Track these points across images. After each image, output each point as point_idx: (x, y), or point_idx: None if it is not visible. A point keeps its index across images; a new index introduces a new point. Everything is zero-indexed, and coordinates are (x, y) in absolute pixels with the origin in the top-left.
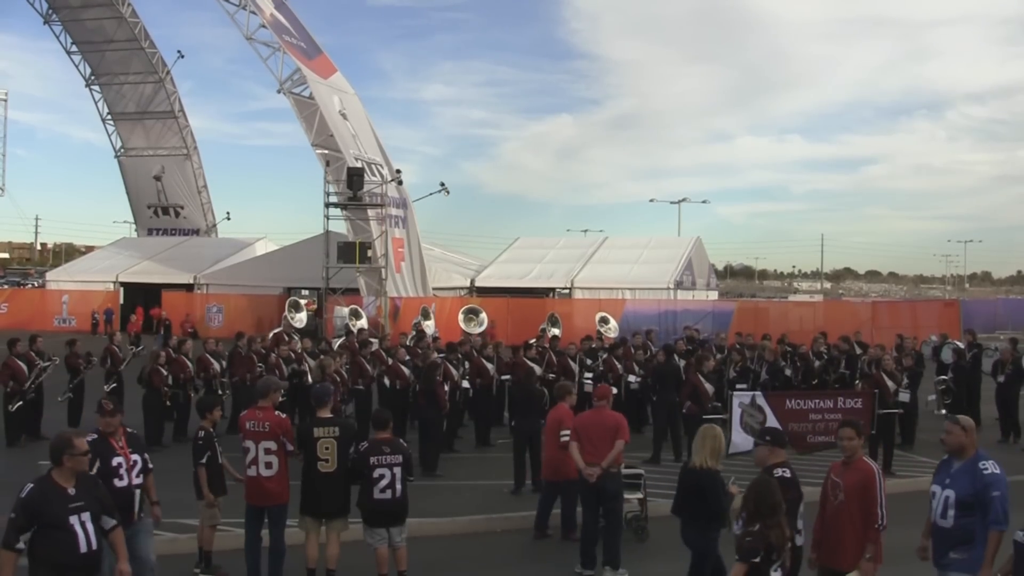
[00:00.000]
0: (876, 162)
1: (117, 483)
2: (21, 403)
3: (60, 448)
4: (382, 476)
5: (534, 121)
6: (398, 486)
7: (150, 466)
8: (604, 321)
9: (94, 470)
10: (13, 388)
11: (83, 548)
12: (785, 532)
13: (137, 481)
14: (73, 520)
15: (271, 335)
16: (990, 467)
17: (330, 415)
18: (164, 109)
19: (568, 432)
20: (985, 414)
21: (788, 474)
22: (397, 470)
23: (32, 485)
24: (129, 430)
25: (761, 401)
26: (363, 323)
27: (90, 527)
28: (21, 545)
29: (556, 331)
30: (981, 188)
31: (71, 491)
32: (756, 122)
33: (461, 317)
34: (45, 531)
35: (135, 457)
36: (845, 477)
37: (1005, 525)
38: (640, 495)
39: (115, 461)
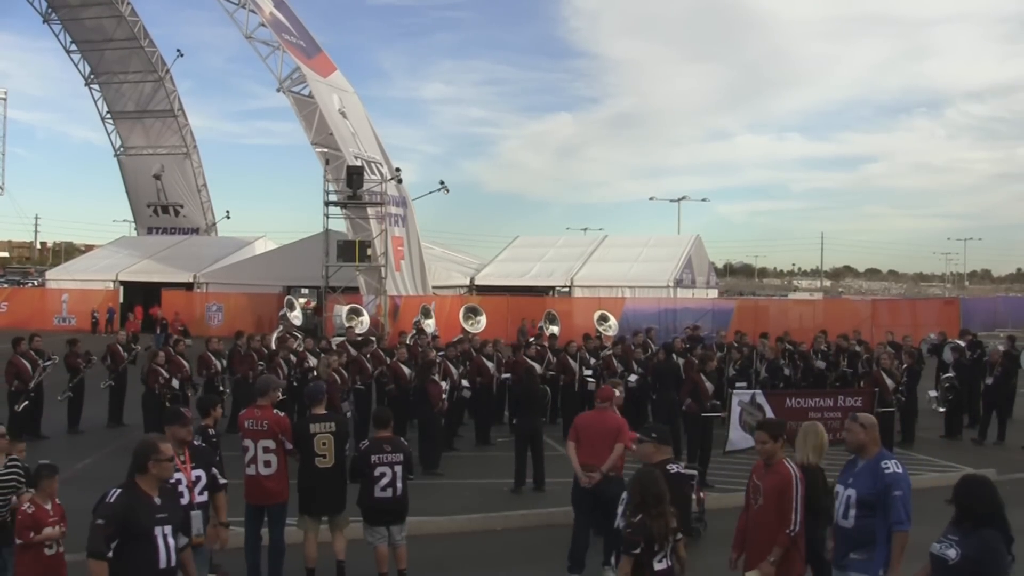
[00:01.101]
0: (876, 160)
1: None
2: (27, 403)
3: (146, 453)
4: (383, 475)
5: (533, 120)
6: (399, 484)
7: (221, 481)
8: (603, 319)
9: None
10: (18, 387)
11: (163, 563)
12: (669, 523)
13: (200, 499)
14: (157, 532)
15: (275, 336)
16: (892, 466)
17: (324, 411)
18: (164, 108)
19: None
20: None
21: (676, 469)
22: (398, 468)
23: (119, 490)
24: (196, 443)
25: (761, 399)
26: (364, 319)
27: (171, 541)
28: (111, 555)
29: (555, 329)
30: (981, 186)
31: (156, 500)
32: (756, 120)
33: (461, 315)
34: (128, 541)
35: (198, 473)
36: (765, 480)
37: (907, 526)
38: (702, 494)
39: (175, 477)
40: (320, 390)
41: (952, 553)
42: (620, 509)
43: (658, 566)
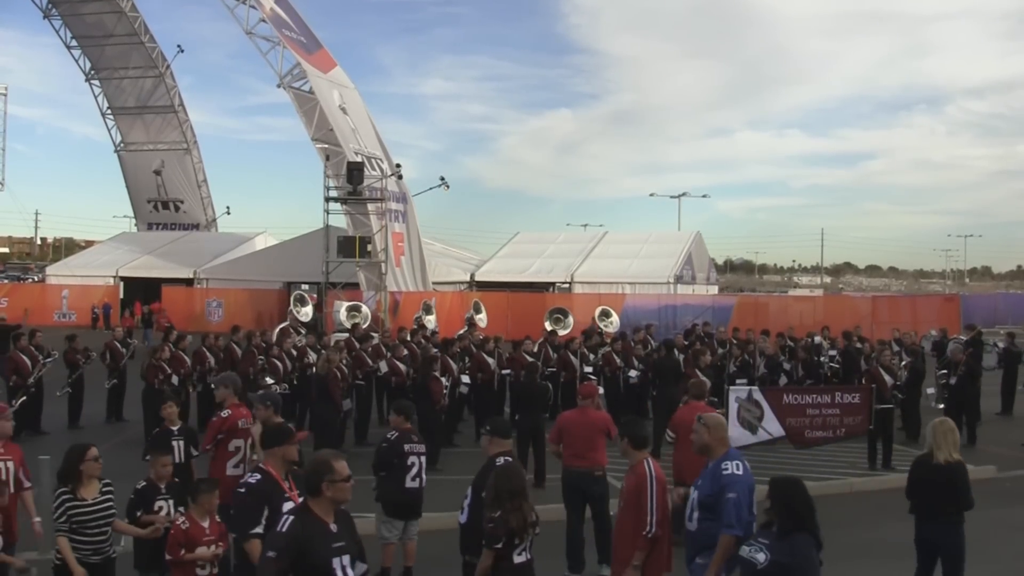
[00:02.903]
0: (875, 157)
1: None
2: (24, 398)
3: (320, 473)
4: (413, 464)
5: (533, 116)
6: (423, 476)
7: None
8: (605, 315)
9: (263, 521)
10: (16, 382)
11: None
12: (527, 517)
13: None
14: (336, 564)
15: (277, 330)
16: (731, 468)
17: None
18: (164, 104)
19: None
20: (985, 408)
21: (503, 461)
22: (423, 459)
23: (292, 517)
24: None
25: (758, 396)
26: (365, 314)
27: (351, 573)
28: None
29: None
30: (981, 183)
31: (333, 527)
32: (755, 117)
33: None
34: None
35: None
36: (626, 482)
37: (736, 530)
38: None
39: (286, 507)
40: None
41: (761, 557)
42: (466, 503)
43: (518, 559)
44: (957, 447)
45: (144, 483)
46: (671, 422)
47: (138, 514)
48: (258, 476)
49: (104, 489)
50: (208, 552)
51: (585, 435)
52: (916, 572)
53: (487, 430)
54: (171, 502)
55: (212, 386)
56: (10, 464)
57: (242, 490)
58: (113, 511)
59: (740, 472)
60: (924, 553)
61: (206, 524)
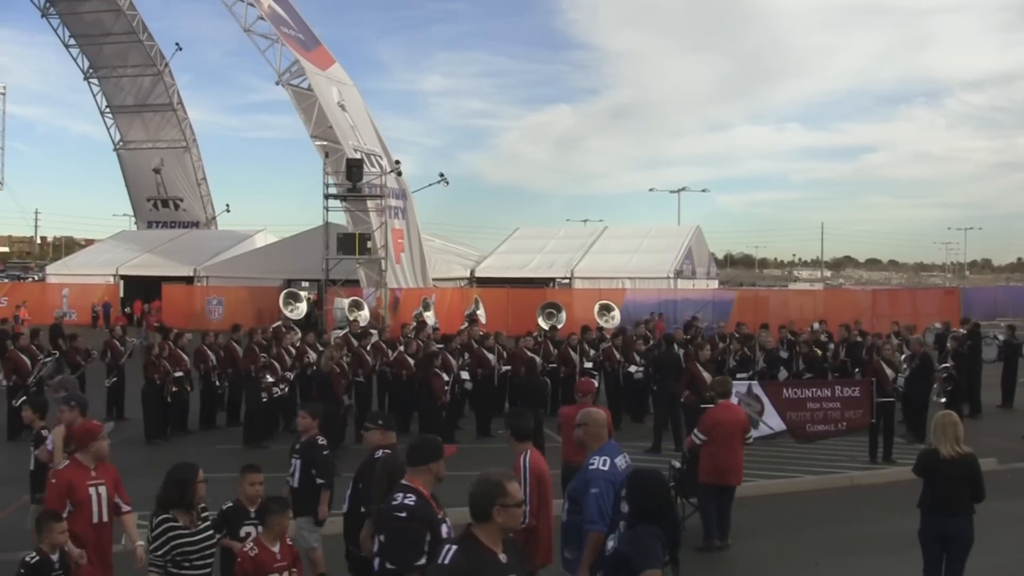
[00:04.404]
0: (875, 150)
1: None
2: (24, 398)
3: (491, 496)
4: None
5: (533, 112)
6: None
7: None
8: (606, 309)
9: (426, 550)
10: (16, 382)
11: None
12: None
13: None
14: None
15: (271, 329)
16: (597, 464)
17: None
18: (163, 102)
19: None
20: (986, 401)
21: (380, 454)
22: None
23: (455, 547)
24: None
25: (758, 390)
26: (364, 313)
27: None
28: None
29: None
30: (981, 175)
31: (502, 557)
32: (755, 111)
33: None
34: None
35: None
36: None
37: (599, 526)
38: None
39: (444, 532)
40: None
41: (610, 545)
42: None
43: None
44: (960, 440)
45: (231, 504)
46: (703, 424)
47: (218, 537)
48: (413, 497)
49: (203, 515)
50: None
51: None
52: (924, 566)
53: (379, 424)
54: (261, 529)
55: (216, 384)
56: (102, 489)
57: (402, 514)
58: (215, 539)
59: (606, 468)
60: (932, 546)
61: (277, 549)
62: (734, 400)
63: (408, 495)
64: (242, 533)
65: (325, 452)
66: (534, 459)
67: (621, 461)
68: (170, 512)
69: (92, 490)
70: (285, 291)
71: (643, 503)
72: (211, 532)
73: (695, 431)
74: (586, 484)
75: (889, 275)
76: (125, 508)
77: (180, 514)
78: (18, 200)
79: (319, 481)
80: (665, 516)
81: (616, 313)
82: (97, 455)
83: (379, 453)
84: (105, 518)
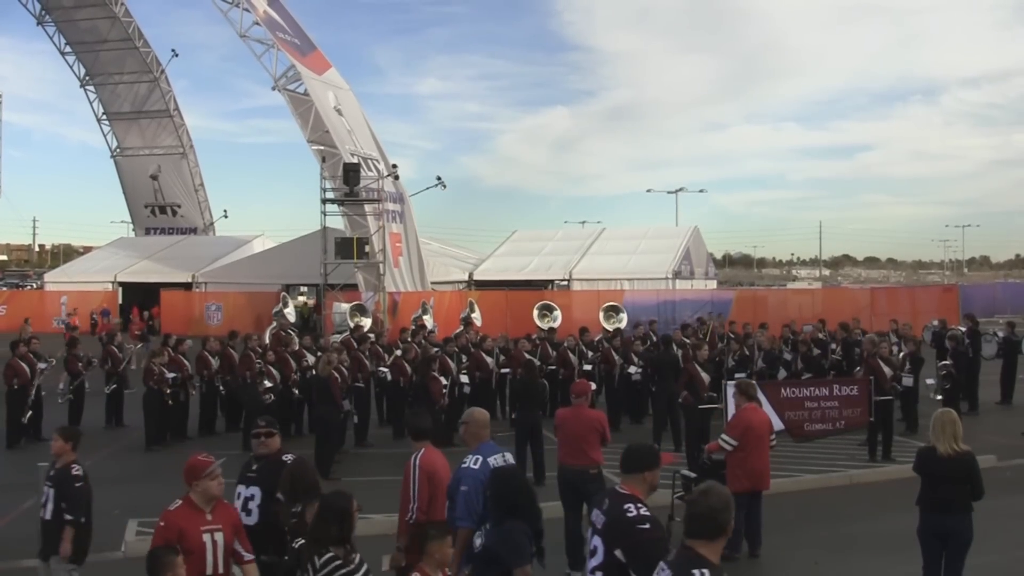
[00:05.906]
0: (872, 148)
1: None
2: (31, 413)
3: (730, 510)
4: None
5: (529, 114)
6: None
7: None
8: (613, 310)
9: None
10: (16, 389)
11: None
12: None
13: None
14: None
15: (268, 332)
16: (469, 462)
17: None
18: (159, 108)
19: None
20: (985, 398)
21: (288, 457)
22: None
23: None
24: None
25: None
26: (367, 319)
27: None
28: None
29: (553, 325)
30: (978, 173)
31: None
32: (751, 111)
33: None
34: None
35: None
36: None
37: (467, 522)
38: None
39: None
40: None
41: (478, 542)
42: (253, 504)
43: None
44: (958, 438)
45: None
46: (733, 429)
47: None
48: (643, 507)
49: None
50: None
51: (579, 433)
52: (924, 564)
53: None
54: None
55: (221, 389)
56: (219, 536)
57: (646, 526)
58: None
59: (476, 467)
60: (931, 544)
61: None
62: (731, 400)
63: (639, 505)
64: None
65: (78, 484)
66: (426, 457)
67: (495, 460)
68: (340, 548)
69: (207, 536)
70: (281, 295)
71: (507, 500)
72: (366, 566)
73: (723, 436)
74: (457, 482)
75: (888, 273)
76: (248, 557)
77: (336, 549)
78: (16, 208)
79: (67, 517)
80: (528, 509)
81: (624, 315)
82: (205, 495)
83: (288, 457)
84: (221, 569)
